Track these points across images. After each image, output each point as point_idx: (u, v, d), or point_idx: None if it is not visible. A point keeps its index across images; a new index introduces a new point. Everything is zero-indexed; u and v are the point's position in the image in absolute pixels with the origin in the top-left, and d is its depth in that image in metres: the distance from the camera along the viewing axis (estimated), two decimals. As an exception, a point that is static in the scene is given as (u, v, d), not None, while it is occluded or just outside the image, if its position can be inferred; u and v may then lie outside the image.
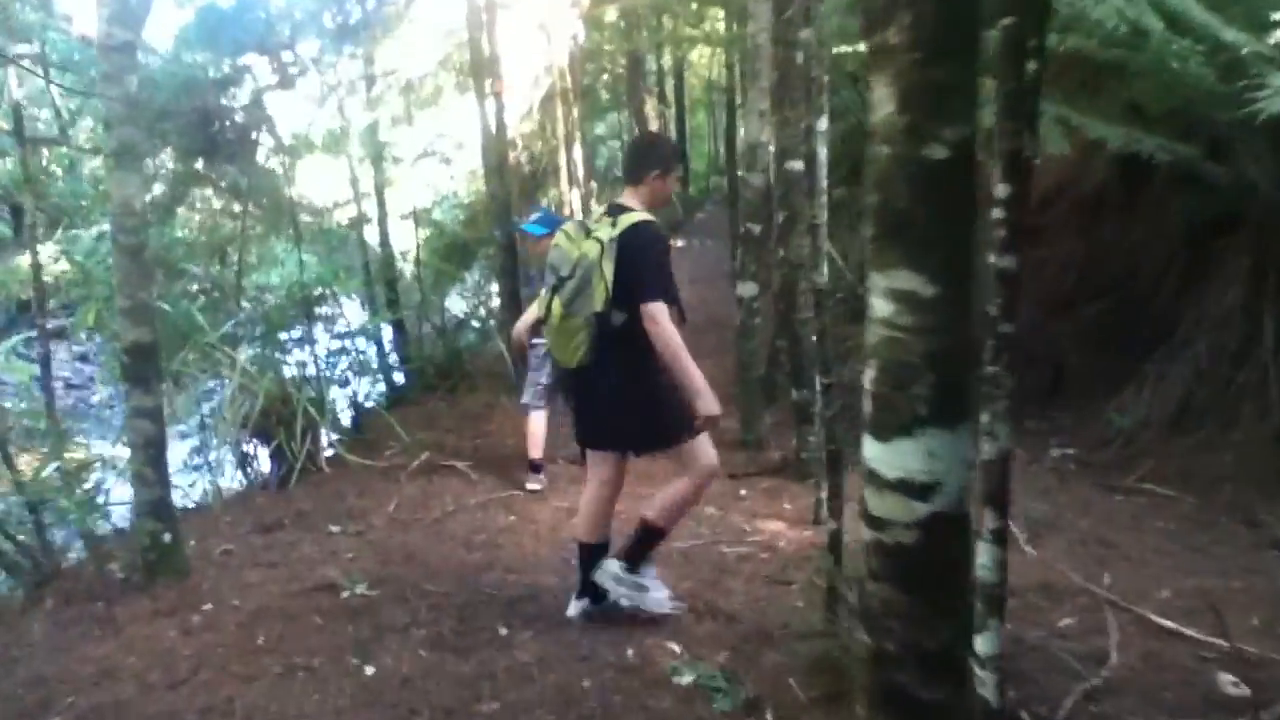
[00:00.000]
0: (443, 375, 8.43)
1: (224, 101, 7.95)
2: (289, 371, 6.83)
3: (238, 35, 7.97)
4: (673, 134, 28.30)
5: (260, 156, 8.34)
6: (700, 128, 31.60)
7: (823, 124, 5.44)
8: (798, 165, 5.92)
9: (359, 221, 9.57)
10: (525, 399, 6.09)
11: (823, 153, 5.41)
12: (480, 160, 8.78)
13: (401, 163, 10.26)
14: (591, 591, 3.90)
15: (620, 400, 3.67)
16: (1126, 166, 7.19)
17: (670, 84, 27.48)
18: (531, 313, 5.29)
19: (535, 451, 6.05)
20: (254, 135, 7.77)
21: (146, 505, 4.58)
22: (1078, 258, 8.27)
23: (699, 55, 28.19)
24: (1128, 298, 7.62)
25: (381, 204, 9.99)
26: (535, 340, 5.62)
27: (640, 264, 3.54)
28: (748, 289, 6.67)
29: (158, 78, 7.56)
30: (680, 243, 22.12)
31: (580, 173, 13.16)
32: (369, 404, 7.92)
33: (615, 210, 3.73)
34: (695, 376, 3.48)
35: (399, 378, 9.26)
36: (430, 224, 10.02)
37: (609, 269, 3.53)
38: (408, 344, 9.30)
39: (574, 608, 3.95)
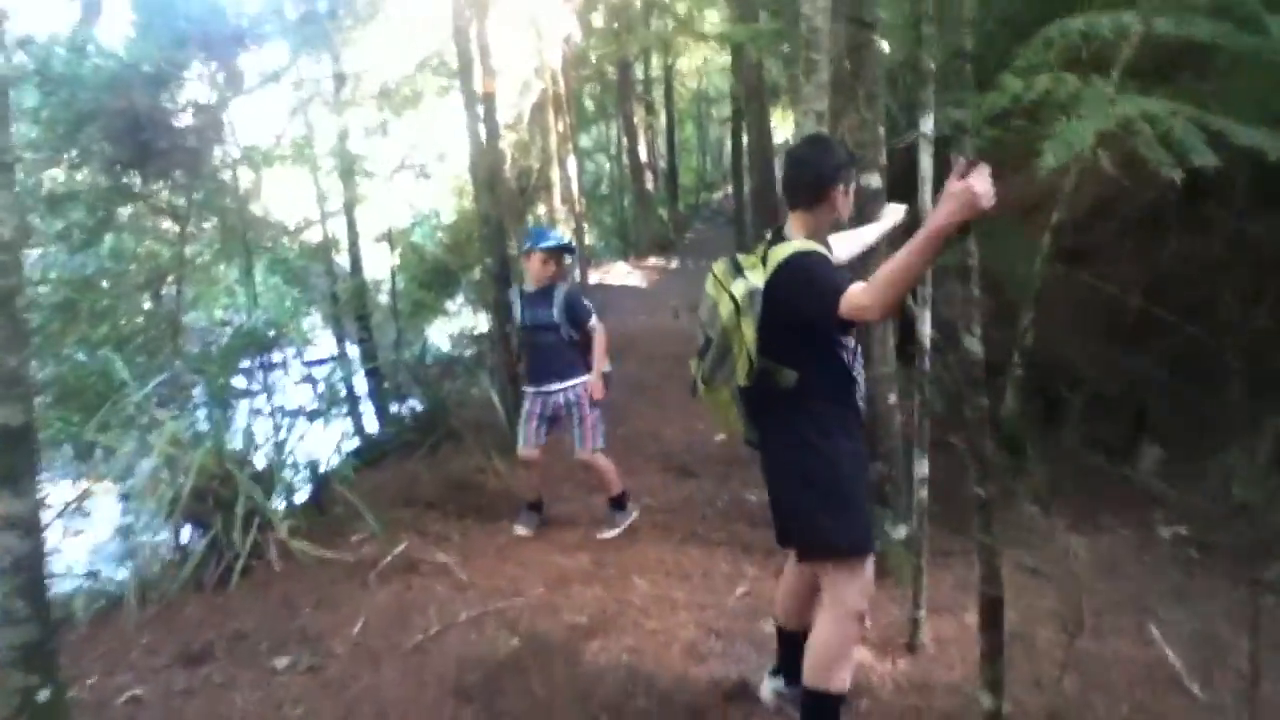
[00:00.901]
0: (424, 429, 7.15)
1: (165, 104, 6.64)
2: (238, 433, 5.52)
3: (179, 25, 6.69)
4: (661, 146, 27.28)
5: (210, 169, 7.02)
6: (688, 140, 30.46)
7: (927, 124, 4.26)
8: (873, 181, 4.69)
9: (326, 246, 8.25)
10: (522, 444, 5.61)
11: (926, 163, 4.22)
12: (466, 174, 7.50)
13: (375, 177, 8.96)
14: (787, 668, 3.44)
15: (780, 481, 3.12)
16: (1192, 179, 6.27)
17: (658, 93, 26.31)
18: None
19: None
20: (201, 144, 6.46)
21: (17, 651, 3.28)
22: (1139, 281, 7.11)
23: (689, 63, 27.14)
24: (1210, 327, 6.56)
25: (352, 224, 8.69)
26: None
27: (805, 297, 2.78)
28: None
29: (83, 74, 6.26)
30: (673, 264, 20.95)
31: (574, 188, 11.95)
32: (341, 458, 6.62)
33: (775, 239, 3.00)
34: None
35: (375, 423, 7.95)
36: (408, 247, 8.71)
37: (749, 331, 2.91)
38: (383, 390, 7.99)
39: (765, 688, 3.55)
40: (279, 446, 5.54)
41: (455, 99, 9.19)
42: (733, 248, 21.53)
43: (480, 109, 6.98)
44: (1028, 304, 6.60)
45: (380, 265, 8.80)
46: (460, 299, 9.90)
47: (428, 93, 9.94)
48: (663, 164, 26.71)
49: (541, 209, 12.89)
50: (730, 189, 32.60)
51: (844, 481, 2.97)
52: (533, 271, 5.51)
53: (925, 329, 4.14)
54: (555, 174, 11.23)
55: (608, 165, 26.32)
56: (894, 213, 3.93)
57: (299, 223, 7.94)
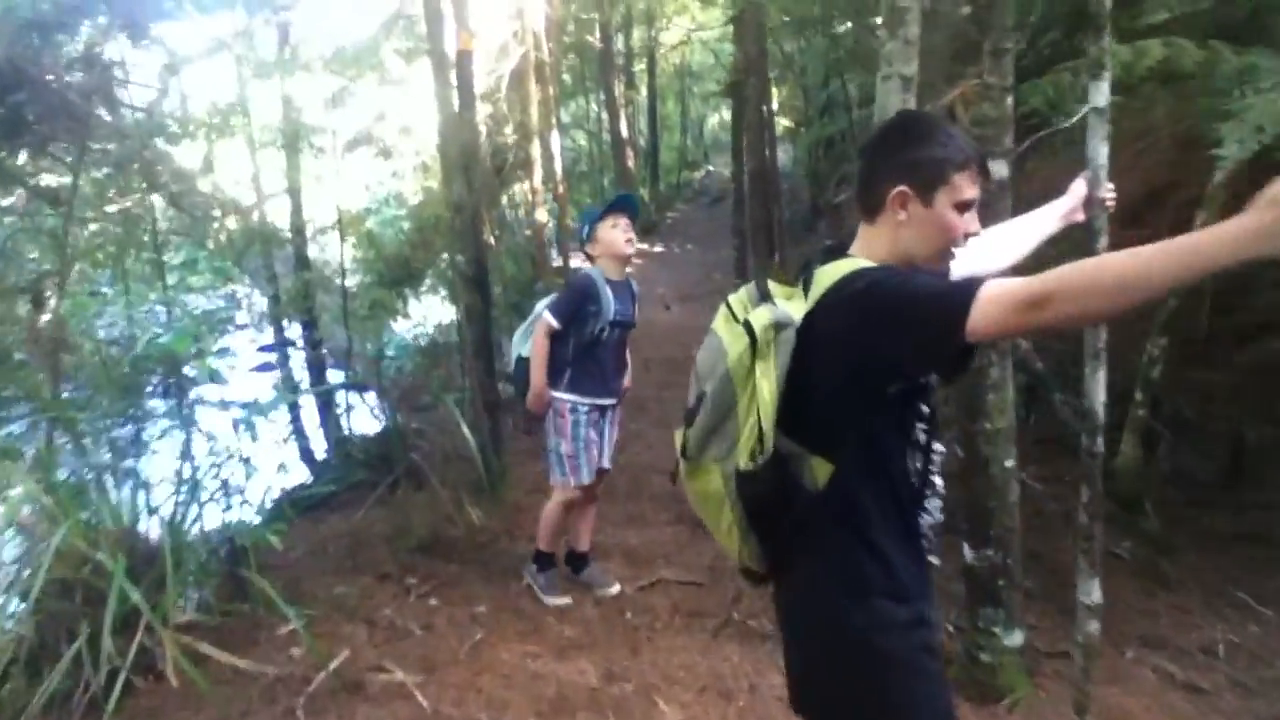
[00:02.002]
0: (378, 465, 5.82)
1: (47, 58, 5.24)
2: (127, 492, 4.16)
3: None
4: (642, 123, 25.87)
5: (111, 140, 5.61)
6: (670, 116, 29.02)
7: (1100, 94, 2.97)
8: (1000, 170, 3.41)
9: (265, 236, 6.85)
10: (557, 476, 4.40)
11: (1099, 149, 2.94)
12: (434, 151, 6.12)
13: (325, 154, 7.55)
14: None
15: (799, 656, 1.98)
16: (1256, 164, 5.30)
17: (639, 67, 24.84)
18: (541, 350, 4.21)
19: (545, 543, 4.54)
20: (89, 108, 5.07)
21: None
22: (1204, 283, 5.92)
23: (672, 35, 25.71)
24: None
25: (297, 210, 7.29)
26: (559, 395, 4.30)
27: (884, 323, 1.63)
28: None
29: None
30: (657, 248, 19.59)
31: (558, 167, 10.59)
32: (272, 509, 5.27)
33: (827, 257, 1.84)
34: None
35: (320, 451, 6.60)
36: (364, 237, 7.31)
37: (767, 385, 1.75)
38: (332, 410, 6.63)
39: None
40: (184, 508, 4.18)
41: (423, 65, 7.85)
42: (726, 233, 20.29)
43: (452, 72, 5.65)
44: (1151, 326, 5.30)
45: (331, 258, 7.40)
46: (426, 298, 8.51)
47: (391, 56, 8.56)
48: (643, 141, 25.31)
49: (518, 188, 11.52)
50: (711, 168, 31.56)
51: (892, 690, 1.81)
52: (617, 250, 4.26)
53: (1098, 393, 2.86)
54: (536, 151, 9.85)
55: (585, 142, 24.83)
56: (1075, 192, 2.59)
57: (223, 206, 6.47)
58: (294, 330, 8.06)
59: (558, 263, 11.38)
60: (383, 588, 4.64)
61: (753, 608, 4.37)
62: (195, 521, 4.20)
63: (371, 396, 6.35)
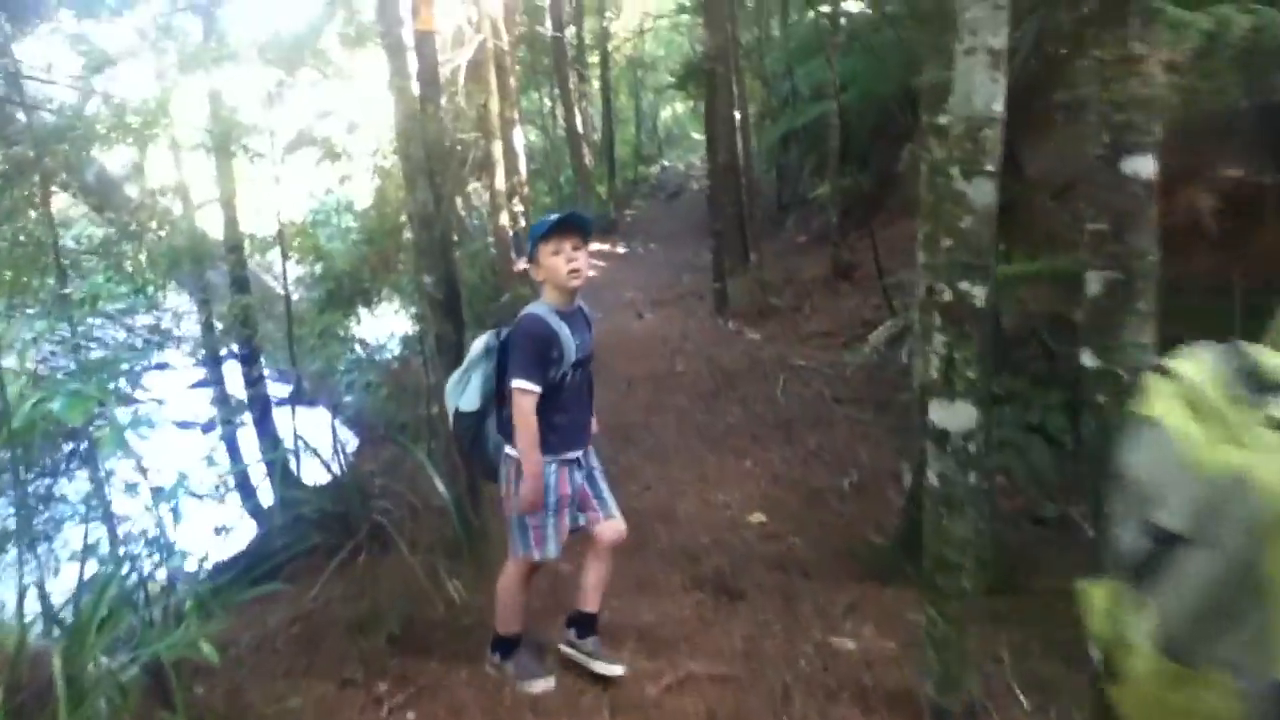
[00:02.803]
0: (337, 526, 4.91)
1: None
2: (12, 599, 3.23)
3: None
4: (596, 118, 24.94)
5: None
6: (623, 110, 28.08)
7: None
8: (1142, 166, 2.62)
9: (196, 253, 5.87)
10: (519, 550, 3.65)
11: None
12: (394, 153, 5.20)
13: (263, 158, 6.56)
14: None
15: None
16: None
17: (591, 59, 23.90)
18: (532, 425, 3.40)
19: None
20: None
21: None
22: (1232, 255, 5.30)
23: (623, 24, 24.89)
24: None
25: (232, 222, 6.32)
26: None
27: None
28: (958, 415, 3.24)
29: None
30: (620, 248, 18.71)
31: (521, 165, 9.70)
32: (201, 596, 4.32)
33: None
34: None
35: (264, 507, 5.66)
36: (310, 252, 6.34)
37: None
38: (280, 464, 5.68)
39: None
40: (88, 617, 3.25)
41: (373, 52, 6.93)
42: (690, 231, 19.49)
43: (411, 57, 4.74)
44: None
45: (274, 276, 6.44)
46: (384, 309, 7.55)
47: (334, 43, 7.62)
48: (598, 136, 24.41)
49: (475, 191, 10.60)
50: (667, 163, 30.72)
51: None
52: (559, 282, 3.43)
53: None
54: (498, 148, 8.94)
55: (534, 137, 23.86)
56: None
57: (153, 217, 5.45)
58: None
59: (522, 265, 10.48)
60: (346, 697, 3.73)
61: (806, 710, 3.55)
62: (104, 631, 3.27)
63: (326, 445, 5.41)
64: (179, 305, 8.65)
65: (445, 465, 4.81)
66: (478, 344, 3.62)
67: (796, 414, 7.34)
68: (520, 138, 9.29)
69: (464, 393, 3.60)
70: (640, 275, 15.33)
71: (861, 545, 5.02)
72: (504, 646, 3.79)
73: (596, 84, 24.27)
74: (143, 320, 6.51)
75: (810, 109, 14.55)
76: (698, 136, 32.90)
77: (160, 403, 5.16)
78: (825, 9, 11.71)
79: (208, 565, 4.47)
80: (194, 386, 9.24)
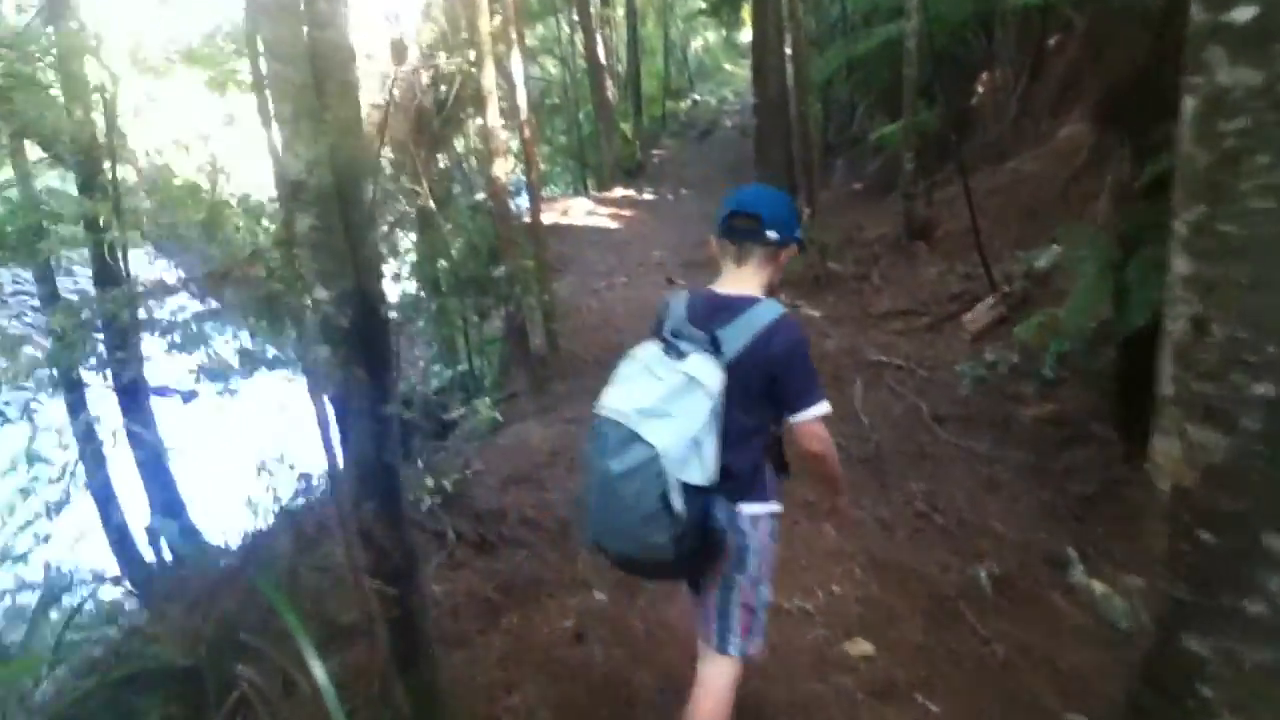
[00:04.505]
0: (187, 690, 3.04)
1: None
2: None
3: None
4: (621, 49, 22.66)
5: None
6: (650, 40, 25.67)
7: None
8: None
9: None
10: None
11: None
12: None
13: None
14: None
15: None
16: None
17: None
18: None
19: None
20: None
21: None
22: None
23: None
24: None
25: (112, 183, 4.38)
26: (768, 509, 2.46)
27: None
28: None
29: None
30: (645, 194, 16.60)
31: (520, 100, 7.68)
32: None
33: None
34: None
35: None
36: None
37: None
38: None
39: None
40: None
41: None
42: (723, 174, 17.32)
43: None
44: None
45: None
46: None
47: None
48: (622, 69, 22.19)
49: (468, 131, 8.62)
50: (698, 97, 28.30)
51: None
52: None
53: None
54: (490, 78, 6.94)
55: (555, 70, 21.66)
56: None
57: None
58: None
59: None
60: None
61: None
62: None
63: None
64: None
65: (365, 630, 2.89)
66: (688, 374, 2.25)
67: (886, 441, 5.38)
68: (519, 65, 7.21)
69: (700, 455, 2.21)
70: (670, 229, 13.30)
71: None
72: None
73: (621, 10, 21.99)
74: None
75: (874, 34, 12.39)
76: (731, 69, 30.48)
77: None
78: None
79: None
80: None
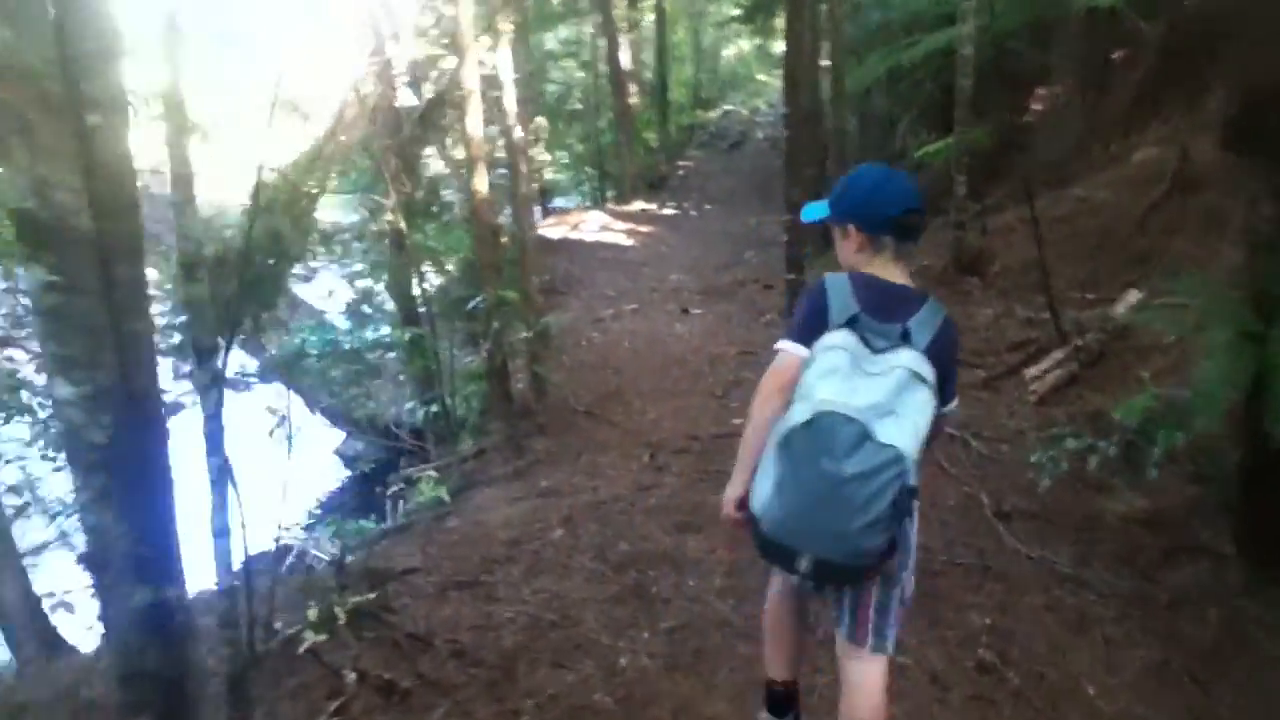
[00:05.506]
0: None
1: None
2: None
3: None
4: (648, 55, 21.60)
5: None
6: (679, 46, 24.60)
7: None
8: None
9: None
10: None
11: None
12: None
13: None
14: None
15: None
16: None
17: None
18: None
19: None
20: None
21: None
22: None
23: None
24: None
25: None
26: None
27: None
28: None
29: None
30: (667, 209, 15.49)
31: (508, 100, 6.58)
32: None
33: None
34: None
35: None
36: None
37: None
38: None
39: None
40: None
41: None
42: (753, 189, 16.19)
43: None
44: None
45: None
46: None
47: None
48: (649, 76, 21.14)
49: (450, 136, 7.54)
50: (729, 107, 27.17)
51: None
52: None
53: None
54: (472, 76, 5.87)
55: (581, 74, 20.62)
56: None
57: None
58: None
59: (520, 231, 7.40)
60: None
61: None
62: None
63: None
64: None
65: None
66: (909, 369, 2.13)
67: (938, 546, 4.20)
68: (509, 61, 6.10)
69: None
70: (690, 248, 12.17)
71: None
72: None
73: (651, 16, 20.93)
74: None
75: (919, 42, 11.24)
76: (765, 78, 29.34)
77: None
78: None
79: None
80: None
